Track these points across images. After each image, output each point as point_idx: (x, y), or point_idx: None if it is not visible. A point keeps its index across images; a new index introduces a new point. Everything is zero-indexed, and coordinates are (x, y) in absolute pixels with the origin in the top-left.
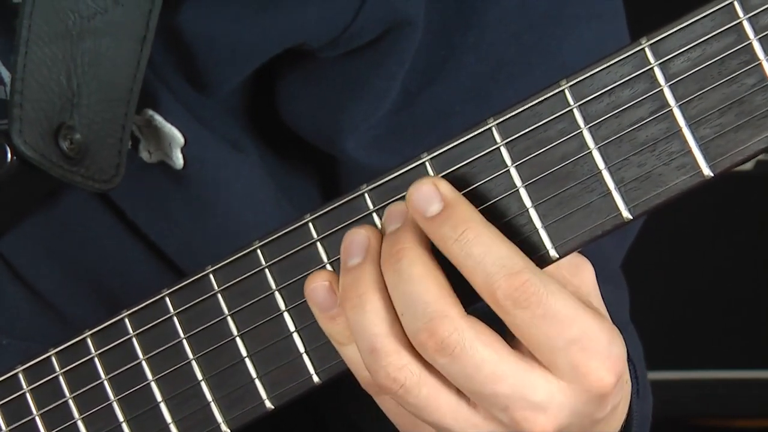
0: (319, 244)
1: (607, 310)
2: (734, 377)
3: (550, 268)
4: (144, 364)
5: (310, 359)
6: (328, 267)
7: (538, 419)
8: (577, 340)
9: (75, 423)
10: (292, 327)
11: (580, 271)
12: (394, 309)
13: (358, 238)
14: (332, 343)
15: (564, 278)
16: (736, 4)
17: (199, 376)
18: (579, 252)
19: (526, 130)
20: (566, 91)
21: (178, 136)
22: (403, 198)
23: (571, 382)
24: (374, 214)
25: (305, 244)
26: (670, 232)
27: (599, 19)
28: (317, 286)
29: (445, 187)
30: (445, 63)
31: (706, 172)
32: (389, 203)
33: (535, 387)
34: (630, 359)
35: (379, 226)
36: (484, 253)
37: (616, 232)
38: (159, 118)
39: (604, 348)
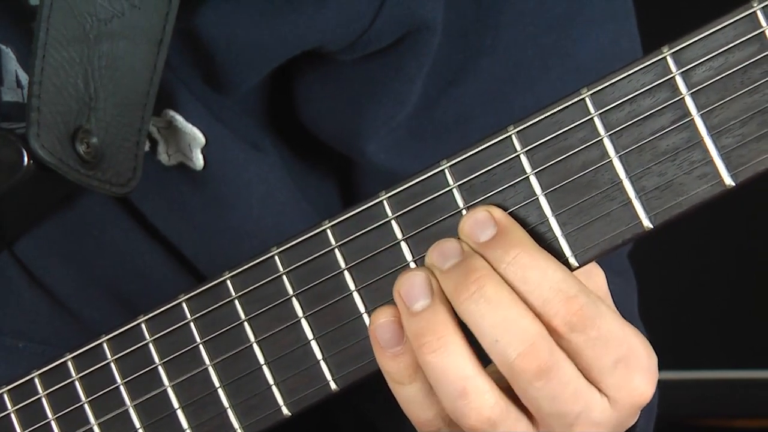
0: (337, 250)
1: (617, 306)
2: (734, 377)
3: None
4: (160, 369)
5: (328, 366)
6: (346, 274)
7: None
8: (623, 358)
9: (91, 428)
10: (309, 334)
11: (592, 276)
12: (472, 349)
13: (418, 280)
14: (389, 382)
15: None
16: (759, 13)
17: (216, 383)
18: None
19: (547, 138)
20: (587, 100)
21: (199, 136)
22: (422, 204)
23: (617, 399)
24: (393, 222)
25: (323, 251)
26: (670, 232)
27: (614, 21)
28: (385, 322)
29: (499, 213)
30: (464, 65)
31: (728, 181)
32: (408, 211)
33: (596, 404)
34: None
35: (399, 234)
36: (540, 277)
37: None
38: (179, 118)
39: (645, 363)
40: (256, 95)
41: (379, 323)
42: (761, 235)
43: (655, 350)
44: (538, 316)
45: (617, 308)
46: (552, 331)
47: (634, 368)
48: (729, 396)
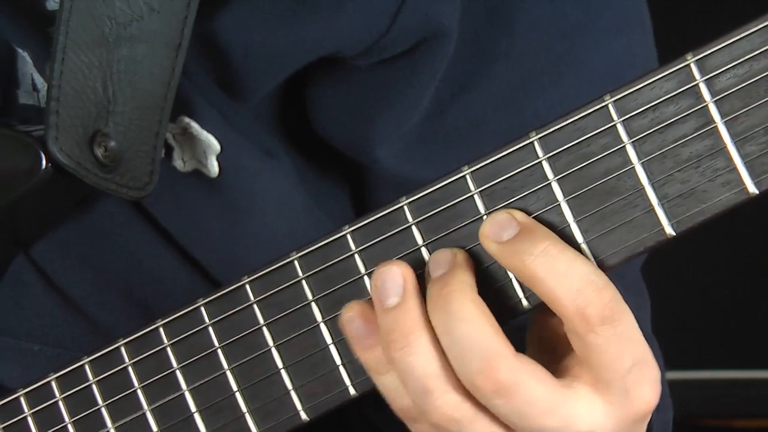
0: (357, 256)
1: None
2: (734, 377)
3: None
4: (178, 373)
5: (347, 371)
6: (365, 279)
7: None
8: (639, 362)
9: (108, 431)
10: (328, 339)
11: None
12: (442, 347)
13: (392, 276)
14: (367, 371)
15: None
16: None
17: (234, 387)
18: None
19: (569, 145)
20: (610, 106)
21: (214, 144)
22: (442, 210)
23: (619, 405)
24: (413, 227)
25: (343, 257)
26: None
27: (629, 31)
28: (352, 316)
29: (521, 215)
30: (477, 71)
31: (752, 189)
32: (428, 217)
33: (581, 416)
34: None
35: (419, 240)
36: (570, 268)
37: None
38: (195, 126)
39: (655, 372)
40: (269, 102)
41: (346, 317)
42: (761, 236)
43: None
44: (563, 308)
45: None
46: (583, 323)
47: (645, 375)
48: (729, 396)
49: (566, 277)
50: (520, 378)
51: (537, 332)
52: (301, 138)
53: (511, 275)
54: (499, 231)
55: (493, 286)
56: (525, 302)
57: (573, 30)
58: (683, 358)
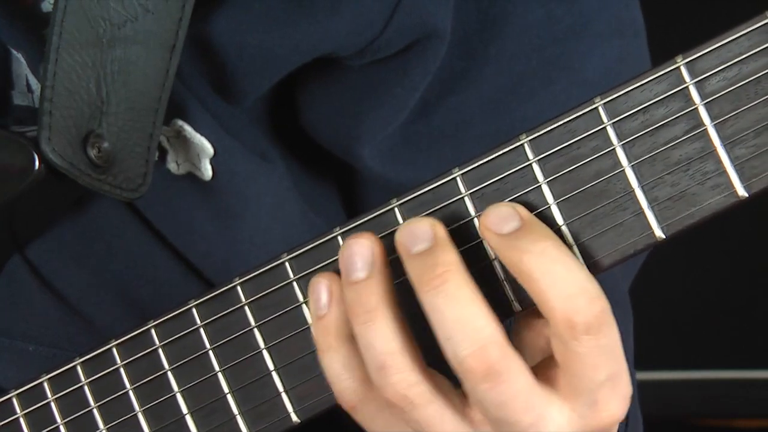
0: None
1: None
2: (734, 377)
3: None
4: (170, 375)
5: None
6: None
7: None
8: (612, 377)
9: None
10: None
11: None
12: (404, 326)
13: (359, 250)
14: (316, 350)
15: None
16: None
17: (226, 389)
18: None
19: (559, 147)
20: (600, 109)
21: (207, 147)
22: (433, 212)
23: (583, 416)
24: None
25: (334, 258)
26: None
27: (622, 38)
28: (318, 281)
29: (524, 210)
30: (466, 74)
31: (741, 192)
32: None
33: (551, 418)
34: None
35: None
36: (566, 271)
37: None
38: (189, 129)
39: (626, 388)
40: (262, 104)
41: (313, 281)
42: (761, 235)
43: (655, 350)
44: (551, 310)
45: None
46: (568, 329)
47: (616, 390)
48: (729, 396)
49: (561, 281)
50: (511, 366)
51: (520, 331)
52: (294, 140)
53: (502, 277)
54: (500, 223)
55: (483, 287)
56: (517, 305)
57: (565, 35)
58: (683, 358)
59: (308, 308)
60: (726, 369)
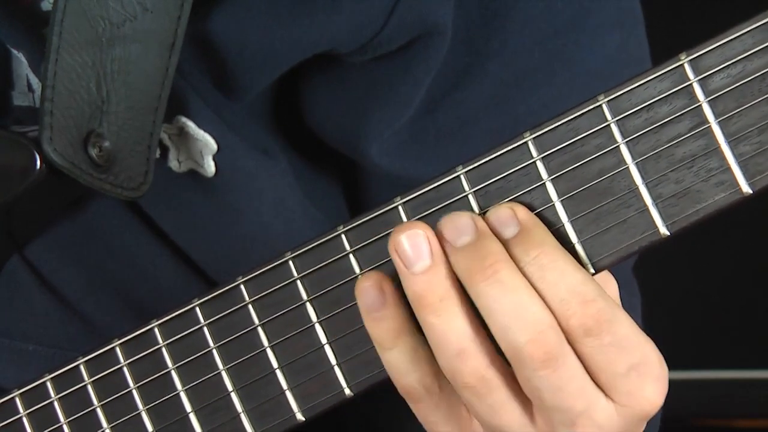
0: (351, 256)
1: None
2: (734, 377)
3: None
4: (173, 373)
5: (342, 372)
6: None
7: None
8: (636, 366)
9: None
10: (324, 339)
11: (606, 286)
12: (474, 311)
13: (420, 240)
14: (375, 347)
15: None
16: None
17: (229, 387)
18: None
19: (563, 145)
20: (604, 106)
21: (211, 143)
22: (437, 210)
23: (625, 405)
24: None
25: (338, 256)
26: None
27: (622, 28)
28: (368, 285)
29: (523, 212)
30: (469, 69)
31: (746, 189)
32: (424, 216)
33: (601, 407)
34: None
35: None
36: (558, 278)
37: None
38: (191, 125)
39: (657, 371)
40: (263, 100)
41: (362, 286)
42: (761, 235)
43: None
44: (555, 317)
45: None
46: (567, 333)
47: (646, 376)
48: (729, 396)
49: (554, 287)
50: (566, 351)
51: None
52: (296, 137)
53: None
54: (499, 228)
55: None
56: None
57: (566, 27)
58: (683, 358)
59: (312, 308)
60: (726, 369)
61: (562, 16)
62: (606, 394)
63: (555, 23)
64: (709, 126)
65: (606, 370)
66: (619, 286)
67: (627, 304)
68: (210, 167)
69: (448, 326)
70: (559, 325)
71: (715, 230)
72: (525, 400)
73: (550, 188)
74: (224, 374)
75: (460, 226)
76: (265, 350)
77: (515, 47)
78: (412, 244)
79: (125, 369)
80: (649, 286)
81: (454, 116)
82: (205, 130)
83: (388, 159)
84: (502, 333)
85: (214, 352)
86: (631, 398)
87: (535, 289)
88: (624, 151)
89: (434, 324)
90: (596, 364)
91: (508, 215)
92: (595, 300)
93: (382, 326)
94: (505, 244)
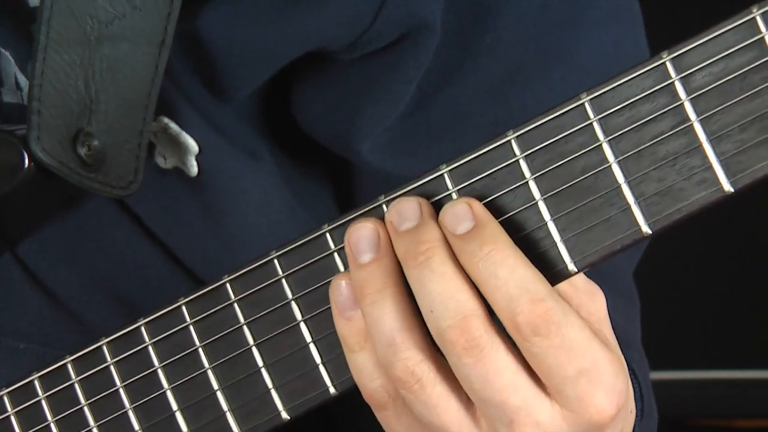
0: (336, 255)
1: (620, 328)
2: (734, 377)
3: (569, 290)
4: (160, 372)
5: (327, 370)
6: None
7: None
8: (586, 372)
9: (90, 430)
10: (308, 337)
11: (594, 298)
12: (412, 305)
13: (366, 233)
14: (344, 349)
15: (581, 302)
16: (758, 18)
17: (215, 386)
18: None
19: (546, 143)
20: (586, 104)
21: (192, 145)
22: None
23: (573, 411)
24: None
25: (323, 255)
26: (670, 232)
27: (618, 24)
28: (340, 283)
29: (478, 208)
30: (462, 65)
31: (727, 187)
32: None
33: (542, 406)
34: (636, 379)
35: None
36: (509, 275)
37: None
38: (174, 126)
39: (609, 381)
40: (253, 101)
41: (334, 284)
42: (761, 235)
43: (655, 350)
44: (500, 313)
45: (619, 331)
46: (515, 331)
47: (597, 384)
48: (729, 396)
49: (504, 284)
50: (494, 342)
51: None
52: (286, 137)
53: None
54: (455, 223)
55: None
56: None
57: (561, 23)
58: (683, 358)
59: (297, 307)
60: (726, 369)
61: (558, 12)
62: (552, 397)
63: (550, 19)
64: (691, 124)
65: (554, 373)
66: (618, 294)
67: (624, 314)
68: (193, 167)
69: (381, 316)
70: (508, 322)
71: (716, 230)
72: (467, 401)
73: (533, 186)
74: (210, 373)
75: (404, 210)
76: (250, 349)
77: (508, 42)
78: (359, 237)
79: (112, 367)
80: (648, 286)
81: (447, 112)
82: (188, 132)
83: (380, 156)
84: (427, 317)
85: (200, 350)
86: (580, 404)
87: (487, 287)
88: (606, 149)
89: (368, 314)
90: (543, 365)
91: (464, 210)
92: (545, 300)
93: (351, 326)
94: (459, 239)
